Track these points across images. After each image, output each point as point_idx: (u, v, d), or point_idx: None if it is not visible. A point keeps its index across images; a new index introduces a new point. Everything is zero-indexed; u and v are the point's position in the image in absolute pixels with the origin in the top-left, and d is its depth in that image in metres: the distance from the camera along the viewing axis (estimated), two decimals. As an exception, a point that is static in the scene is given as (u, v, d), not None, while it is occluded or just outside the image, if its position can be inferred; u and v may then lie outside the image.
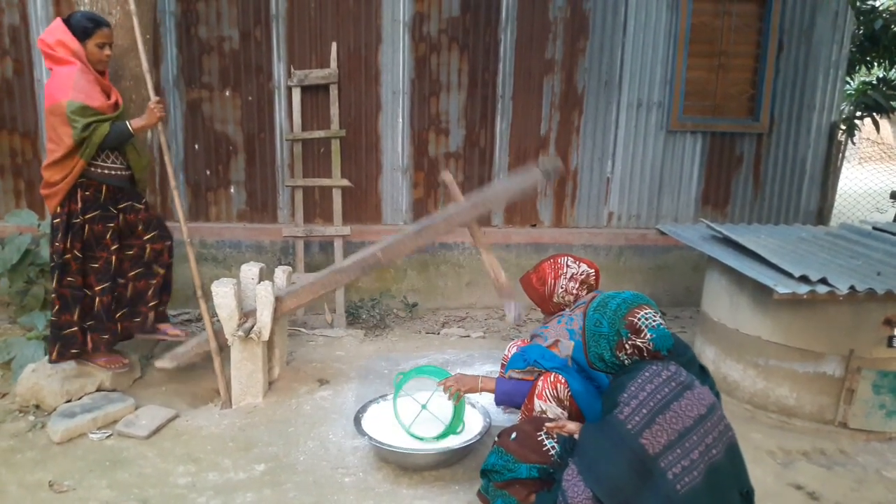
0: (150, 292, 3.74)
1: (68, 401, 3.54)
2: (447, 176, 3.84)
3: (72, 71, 3.33)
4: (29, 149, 5.20)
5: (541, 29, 5.30)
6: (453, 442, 2.98)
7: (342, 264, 3.87)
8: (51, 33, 3.37)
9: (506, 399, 2.84)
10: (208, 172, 5.33)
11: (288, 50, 5.18)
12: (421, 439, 3.01)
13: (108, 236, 3.54)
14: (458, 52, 5.29)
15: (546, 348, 2.90)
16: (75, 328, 3.53)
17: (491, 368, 4.12)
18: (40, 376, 3.58)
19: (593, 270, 3.16)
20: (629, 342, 2.24)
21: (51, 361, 3.55)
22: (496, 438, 2.54)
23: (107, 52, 3.47)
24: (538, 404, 2.66)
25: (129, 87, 3.90)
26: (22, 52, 5.07)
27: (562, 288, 3.12)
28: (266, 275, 3.84)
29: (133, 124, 3.49)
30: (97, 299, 3.56)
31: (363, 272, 3.84)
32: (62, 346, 3.53)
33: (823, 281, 3.33)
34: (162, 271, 3.78)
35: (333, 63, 5.13)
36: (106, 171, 3.52)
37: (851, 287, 3.26)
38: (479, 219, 3.81)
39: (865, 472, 3.18)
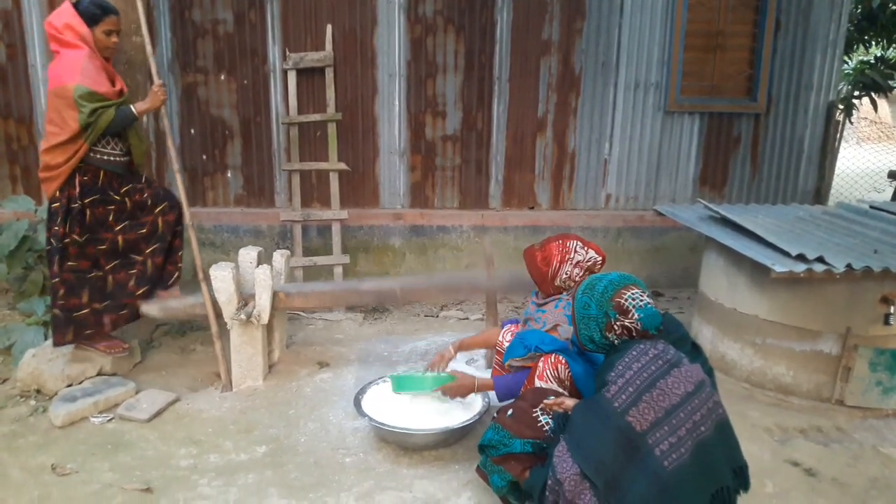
0: (169, 260, 3.79)
1: (69, 385, 3.56)
2: (487, 247, 4.05)
3: (80, 55, 3.33)
4: (24, 134, 5.18)
5: (537, 10, 5.27)
6: (453, 422, 3.00)
7: (361, 286, 3.91)
8: (59, 16, 3.37)
9: (507, 393, 2.86)
10: (204, 157, 5.31)
11: (283, 32, 5.15)
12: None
13: (110, 218, 3.55)
14: (454, 34, 5.26)
15: (546, 333, 2.91)
16: (86, 310, 3.55)
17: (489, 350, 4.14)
18: (41, 361, 3.59)
19: (601, 258, 3.07)
20: (617, 323, 2.26)
21: (59, 344, 3.55)
22: (495, 415, 2.57)
23: (114, 39, 3.49)
24: (539, 385, 2.67)
25: (122, 71, 3.88)
26: (15, 37, 5.03)
27: (566, 273, 3.04)
28: (264, 259, 3.84)
29: (137, 107, 3.50)
30: (109, 277, 3.58)
31: (377, 301, 4.00)
32: (76, 328, 3.55)
33: (820, 259, 3.34)
34: (176, 241, 3.82)
35: (329, 45, 5.10)
36: (105, 157, 3.52)
37: (848, 265, 3.27)
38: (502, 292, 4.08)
39: (862, 448, 3.21)
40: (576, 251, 3.04)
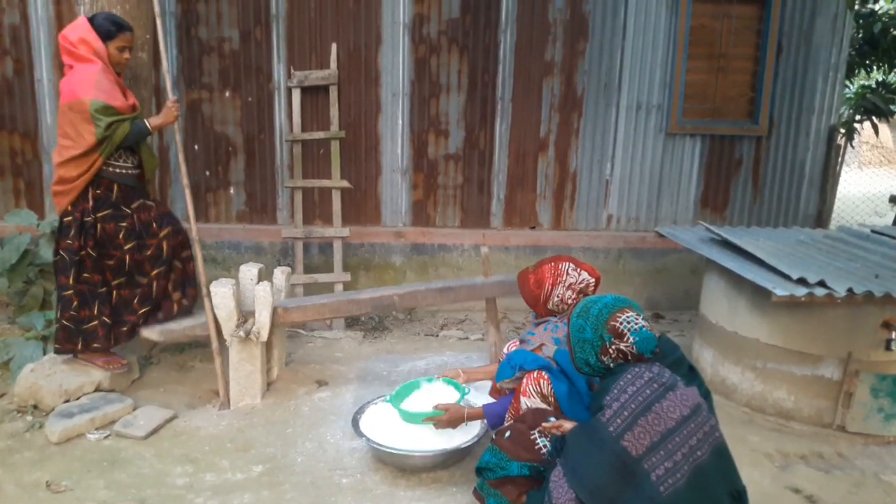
0: (170, 286, 3.78)
1: (66, 401, 3.54)
2: (485, 250, 4.04)
3: (94, 69, 3.36)
4: (29, 149, 5.21)
5: (540, 31, 5.31)
6: (452, 443, 2.98)
7: (358, 296, 3.89)
8: (74, 30, 3.40)
9: (498, 421, 2.85)
10: (208, 173, 5.33)
11: (288, 51, 5.19)
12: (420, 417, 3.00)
13: (120, 235, 3.57)
14: (457, 54, 5.30)
15: (530, 352, 2.92)
16: (95, 322, 3.57)
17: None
18: (39, 376, 3.58)
19: (594, 280, 3.08)
20: (612, 346, 2.25)
21: (62, 351, 3.59)
22: (493, 437, 2.56)
23: (126, 55, 3.54)
24: (524, 402, 2.69)
25: (128, 86, 3.89)
26: (23, 52, 5.08)
27: (557, 297, 3.06)
28: (265, 276, 3.84)
29: (151, 122, 3.55)
30: (115, 293, 3.61)
31: (375, 309, 3.97)
32: (85, 340, 3.57)
33: (821, 283, 3.33)
34: (180, 265, 3.82)
35: (333, 64, 5.14)
36: (118, 171, 3.55)
37: (849, 290, 3.26)
38: (499, 294, 4.07)
39: (863, 475, 3.18)
40: (568, 273, 3.06)
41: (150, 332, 3.70)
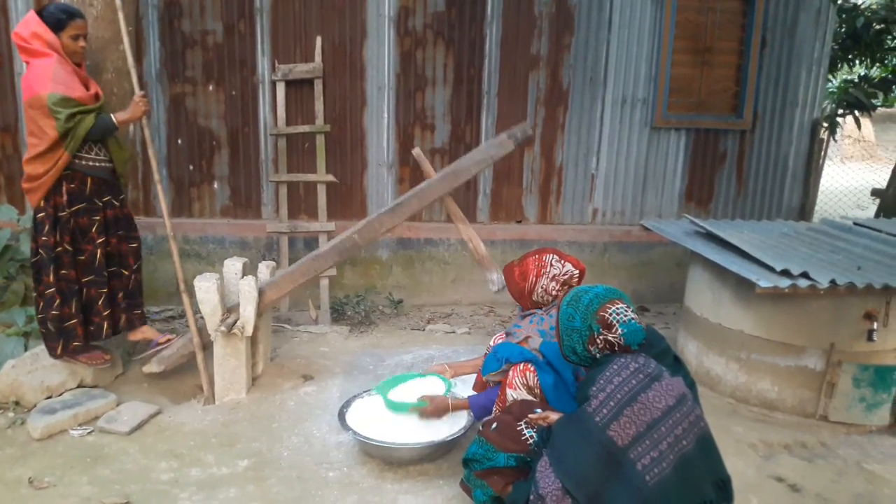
0: (120, 294, 3.73)
1: (48, 397, 3.51)
2: (417, 151, 3.88)
3: (49, 63, 3.29)
4: (9, 143, 5.14)
5: (526, 24, 5.31)
6: (438, 436, 2.98)
7: (320, 250, 3.86)
8: (25, 26, 3.33)
9: (483, 412, 2.89)
10: (191, 167, 5.29)
11: (272, 44, 5.15)
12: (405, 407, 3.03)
13: (93, 229, 3.52)
14: (443, 48, 5.28)
15: (517, 345, 2.93)
16: (75, 320, 3.52)
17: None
18: (20, 372, 3.54)
19: (578, 271, 3.12)
20: (600, 337, 2.26)
21: (57, 356, 3.54)
22: (480, 428, 2.56)
23: (81, 43, 3.43)
24: (510, 394, 2.70)
25: (111, 79, 3.87)
26: (2, 46, 5.00)
27: (542, 288, 3.09)
28: (250, 270, 3.82)
29: (117, 117, 3.47)
30: (84, 291, 3.55)
31: (341, 256, 3.84)
32: (66, 340, 3.52)
33: (805, 275, 3.36)
34: (127, 273, 3.74)
35: (318, 57, 5.11)
36: (91, 163, 3.49)
37: (832, 281, 3.30)
38: (454, 193, 3.90)
39: (846, 464, 3.21)
40: (552, 265, 3.08)
41: (150, 367, 3.69)
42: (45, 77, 3.27)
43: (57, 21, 3.34)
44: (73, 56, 3.43)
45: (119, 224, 3.68)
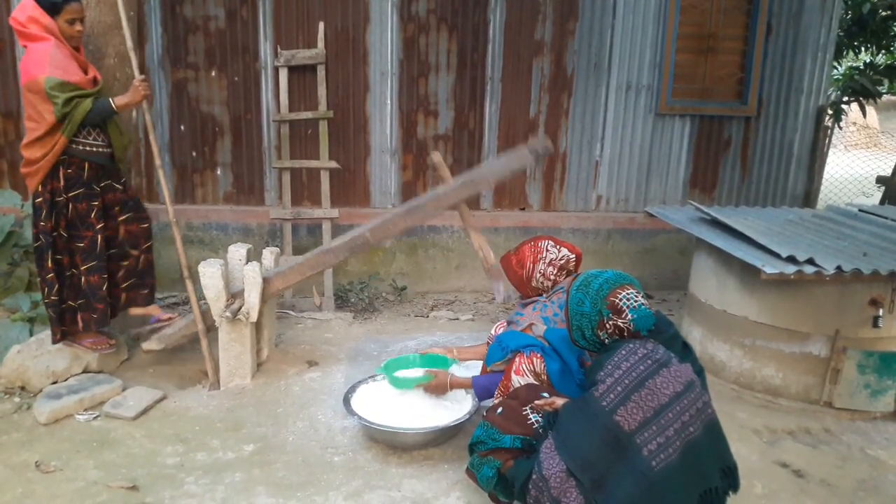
0: (120, 274, 3.73)
1: (54, 382, 3.52)
2: (436, 156, 3.86)
3: (47, 47, 3.29)
4: (11, 129, 5.12)
5: (530, 10, 5.27)
6: (443, 421, 2.99)
7: (330, 245, 3.85)
8: (22, 10, 3.33)
9: (485, 393, 2.91)
10: (194, 154, 5.27)
11: (275, 29, 5.12)
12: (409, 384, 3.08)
13: (92, 215, 3.50)
14: (446, 33, 5.25)
15: (520, 332, 2.94)
16: (73, 305, 3.54)
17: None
18: (26, 357, 3.55)
19: (574, 255, 3.12)
20: (610, 322, 2.25)
21: (58, 341, 3.56)
22: (484, 413, 2.57)
23: (78, 27, 3.42)
24: (515, 380, 2.71)
25: (113, 64, 3.84)
26: (3, 31, 4.97)
27: (540, 273, 3.10)
28: (253, 256, 3.81)
29: (116, 101, 3.44)
30: (84, 278, 3.53)
31: (352, 252, 3.82)
32: (64, 325, 3.55)
33: (810, 261, 3.35)
34: (135, 253, 3.76)
35: (321, 43, 5.08)
36: (88, 148, 3.47)
37: (838, 267, 3.29)
38: (469, 200, 3.84)
39: (850, 450, 3.22)
40: (547, 250, 3.10)
41: (150, 344, 3.73)
42: (43, 61, 3.26)
43: (52, 5, 3.33)
44: (70, 40, 3.42)
45: (126, 207, 3.68)
